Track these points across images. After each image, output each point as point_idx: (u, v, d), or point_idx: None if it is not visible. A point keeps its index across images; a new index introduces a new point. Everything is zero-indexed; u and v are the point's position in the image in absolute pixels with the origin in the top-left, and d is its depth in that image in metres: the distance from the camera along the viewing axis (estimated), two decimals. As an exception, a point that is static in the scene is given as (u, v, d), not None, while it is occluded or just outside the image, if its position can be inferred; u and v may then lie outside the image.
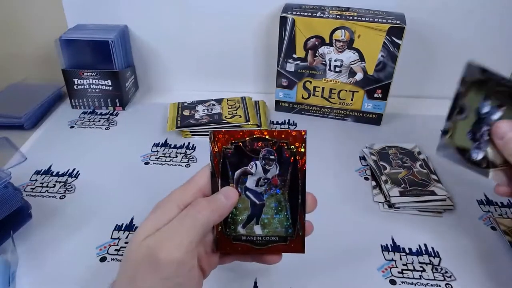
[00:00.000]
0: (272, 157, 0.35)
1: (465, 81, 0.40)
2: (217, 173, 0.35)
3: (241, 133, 0.35)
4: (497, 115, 0.38)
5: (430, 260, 0.45)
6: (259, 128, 0.65)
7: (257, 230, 0.37)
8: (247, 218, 0.36)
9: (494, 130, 0.37)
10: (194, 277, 0.32)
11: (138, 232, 0.32)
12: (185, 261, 0.30)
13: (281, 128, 0.69)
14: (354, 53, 0.63)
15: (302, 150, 0.35)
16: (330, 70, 0.66)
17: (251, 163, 0.35)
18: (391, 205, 0.52)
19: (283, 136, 0.35)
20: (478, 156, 0.39)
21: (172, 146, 0.64)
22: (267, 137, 0.35)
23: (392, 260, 0.45)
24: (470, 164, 0.39)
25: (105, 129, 0.69)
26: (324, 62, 0.65)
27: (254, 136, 0.35)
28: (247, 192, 0.36)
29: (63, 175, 0.58)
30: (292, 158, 0.35)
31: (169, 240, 0.30)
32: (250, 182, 0.36)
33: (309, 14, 0.63)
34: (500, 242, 0.47)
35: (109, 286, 0.33)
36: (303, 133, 0.35)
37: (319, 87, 0.68)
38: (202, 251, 0.35)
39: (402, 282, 0.43)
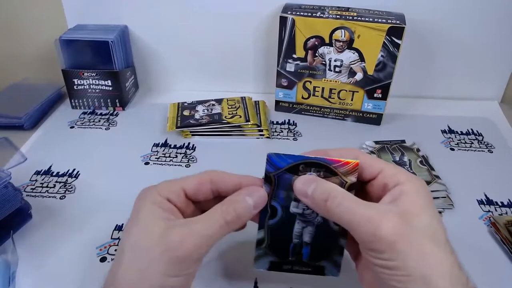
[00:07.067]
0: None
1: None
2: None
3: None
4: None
5: (430, 260, 0.45)
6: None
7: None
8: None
9: (296, 191, 0.34)
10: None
11: None
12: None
13: (281, 128, 0.69)
14: (354, 53, 0.63)
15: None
16: (330, 70, 0.66)
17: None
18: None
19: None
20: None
21: (172, 146, 0.64)
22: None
23: (392, 260, 0.45)
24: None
25: (105, 129, 0.69)
26: (324, 62, 0.65)
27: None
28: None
29: (63, 175, 0.58)
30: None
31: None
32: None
33: (309, 14, 0.63)
34: (500, 242, 0.47)
35: None
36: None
37: (319, 87, 0.68)
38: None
39: (402, 282, 0.43)
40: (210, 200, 0.36)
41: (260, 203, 0.34)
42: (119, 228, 0.49)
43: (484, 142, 0.65)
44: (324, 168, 0.34)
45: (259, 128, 0.66)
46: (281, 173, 0.35)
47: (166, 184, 0.35)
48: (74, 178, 0.57)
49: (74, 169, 0.59)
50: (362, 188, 0.36)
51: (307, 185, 0.33)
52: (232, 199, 0.34)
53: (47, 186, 0.56)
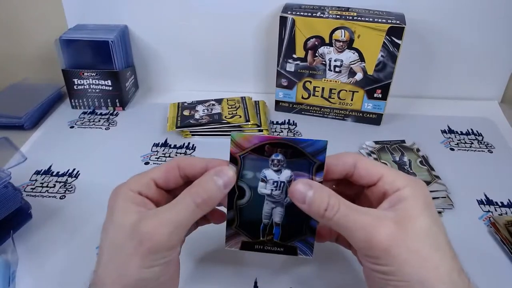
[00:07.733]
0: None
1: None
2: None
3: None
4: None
5: (430, 260, 0.45)
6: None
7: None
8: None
9: (292, 196, 0.33)
10: None
11: None
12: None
13: (281, 128, 0.69)
14: (354, 53, 0.63)
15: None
16: (330, 70, 0.66)
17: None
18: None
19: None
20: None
21: (172, 146, 0.64)
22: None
23: (392, 260, 0.45)
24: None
25: (105, 129, 0.69)
26: (324, 62, 0.65)
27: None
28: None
29: (63, 175, 0.58)
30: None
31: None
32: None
33: (309, 14, 0.63)
34: (500, 242, 0.47)
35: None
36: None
37: (319, 87, 0.68)
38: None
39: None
40: (181, 186, 0.35)
41: (229, 182, 0.33)
42: (119, 228, 0.49)
43: (484, 142, 0.65)
44: (291, 149, 0.34)
45: (259, 128, 0.66)
46: (246, 154, 0.34)
47: (135, 178, 0.35)
48: (74, 178, 0.57)
49: (74, 169, 0.59)
50: (361, 193, 0.36)
51: (304, 191, 0.32)
52: (200, 181, 0.33)
53: (47, 186, 0.56)
